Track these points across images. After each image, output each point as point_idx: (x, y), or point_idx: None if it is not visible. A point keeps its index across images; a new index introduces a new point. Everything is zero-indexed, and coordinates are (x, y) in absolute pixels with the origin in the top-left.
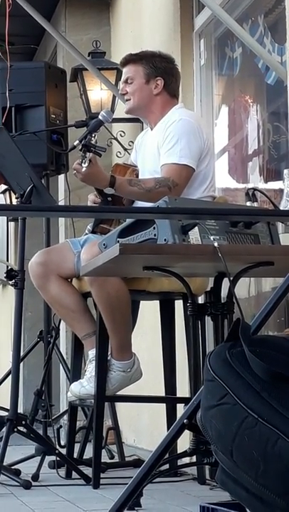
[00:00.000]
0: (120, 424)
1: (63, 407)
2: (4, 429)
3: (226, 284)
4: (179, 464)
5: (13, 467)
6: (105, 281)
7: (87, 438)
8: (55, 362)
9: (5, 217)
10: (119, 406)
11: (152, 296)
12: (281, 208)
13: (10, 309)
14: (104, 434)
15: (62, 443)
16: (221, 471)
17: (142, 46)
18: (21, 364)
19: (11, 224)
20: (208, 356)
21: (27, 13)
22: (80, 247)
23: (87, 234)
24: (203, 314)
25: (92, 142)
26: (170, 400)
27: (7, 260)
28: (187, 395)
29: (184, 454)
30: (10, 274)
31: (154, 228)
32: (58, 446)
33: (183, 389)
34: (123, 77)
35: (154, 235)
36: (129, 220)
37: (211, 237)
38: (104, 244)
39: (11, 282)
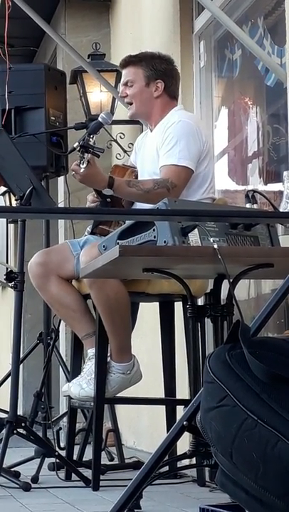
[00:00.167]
0: (120, 426)
1: (63, 409)
2: (4, 431)
3: (225, 285)
4: (178, 465)
5: (12, 469)
6: (105, 283)
7: (87, 440)
8: (55, 364)
9: (4, 219)
10: (119, 408)
11: (152, 298)
12: (281, 210)
13: (9, 311)
14: (103, 436)
15: (62, 445)
16: (220, 473)
17: (142, 48)
18: (21, 366)
19: (11, 226)
20: (208, 358)
21: (27, 15)
22: (79, 248)
23: (86, 235)
24: (203, 316)
25: (91, 143)
26: (170, 401)
27: (7, 262)
28: (187, 396)
29: (184, 456)
30: (9, 276)
31: (153, 230)
32: (57, 448)
33: (182, 391)
34: (123, 80)
35: (154, 237)
36: (128, 222)
37: (211, 239)
38: (103, 246)
39: (10, 284)
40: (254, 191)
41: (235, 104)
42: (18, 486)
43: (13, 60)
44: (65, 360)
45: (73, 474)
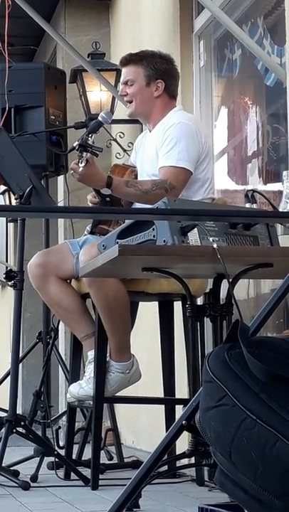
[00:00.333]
0: (119, 426)
1: (62, 408)
2: (3, 430)
3: (225, 285)
4: (177, 465)
5: (11, 468)
6: (104, 283)
7: (86, 439)
8: (54, 363)
9: (4, 218)
10: (118, 407)
11: (151, 298)
12: (280, 210)
13: (9, 310)
14: (103, 436)
15: (61, 444)
16: (219, 472)
17: (142, 47)
18: (20, 365)
19: (11, 225)
20: (207, 357)
21: (27, 14)
22: (78, 248)
23: (86, 235)
24: (202, 316)
25: (89, 142)
26: (169, 401)
27: (6, 261)
28: (186, 396)
29: (183, 456)
30: (9, 275)
31: (153, 229)
32: (56, 447)
33: (182, 390)
34: (123, 78)
35: (153, 236)
36: (128, 221)
37: (210, 239)
38: (103, 246)
39: (10, 283)
40: (253, 191)
41: (234, 104)
42: (17, 484)
43: (13, 59)
44: (64, 359)
45: (72, 473)
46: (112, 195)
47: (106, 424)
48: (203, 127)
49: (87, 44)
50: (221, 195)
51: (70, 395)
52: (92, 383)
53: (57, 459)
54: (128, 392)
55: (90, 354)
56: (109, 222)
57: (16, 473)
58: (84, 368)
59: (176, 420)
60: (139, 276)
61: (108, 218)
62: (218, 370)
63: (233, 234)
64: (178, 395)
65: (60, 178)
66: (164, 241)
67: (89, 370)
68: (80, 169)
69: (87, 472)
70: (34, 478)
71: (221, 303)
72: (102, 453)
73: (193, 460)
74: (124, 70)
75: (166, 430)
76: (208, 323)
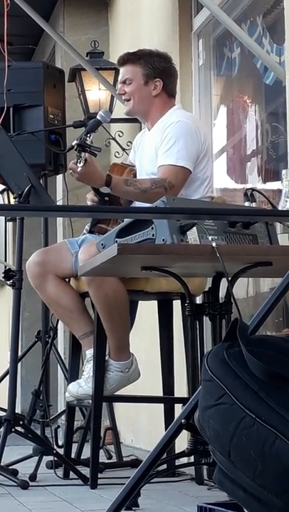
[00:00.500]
0: (118, 425)
1: (61, 407)
2: (2, 429)
3: (224, 284)
4: (176, 464)
5: (10, 467)
6: (103, 282)
7: (85, 438)
8: (53, 362)
9: (3, 218)
10: (117, 406)
11: (150, 297)
12: (279, 208)
13: (8, 309)
14: (102, 435)
15: (60, 443)
16: (218, 471)
17: (141, 46)
18: (19, 364)
19: (9, 224)
20: (206, 356)
21: (25, 13)
22: (77, 247)
23: (85, 234)
24: (202, 314)
25: (88, 142)
26: (168, 400)
27: (5, 260)
28: (185, 395)
29: (182, 454)
30: (8, 274)
31: (152, 228)
32: (55, 447)
33: (181, 389)
34: (121, 77)
35: (153, 235)
36: (127, 220)
37: (210, 237)
38: (102, 244)
39: (8, 282)
40: (253, 189)
41: (234, 103)
42: (16, 484)
43: (12, 58)
44: (63, 358)
45: (71, 472)
46: (110, 194)
47: (105, 423)
48: (203, 126)
49: (85, 43)
50: (220, 194)
51: (69, 394)
52: (91, 382)
53: (56, 458)
54: (127, 391)
55: (89, 353)
56: (108, 221)
57: (15, 473)
58: (83, 366)
59: (175, 419)
60: (138, 275)
61: (107, 217)
62: (217, 369)
63: (232, 232)
64: (177, 394)
65: (59, 177)
66: (163, 240)
67: (87, 368)
68: (79, 169)
69: (86, 471)
70: (33, 477)
71: (220, 302)
72: (101, 452)
73: (192, 459)
74: (122, 69)
75: (166, 429)
76: (207, 321)
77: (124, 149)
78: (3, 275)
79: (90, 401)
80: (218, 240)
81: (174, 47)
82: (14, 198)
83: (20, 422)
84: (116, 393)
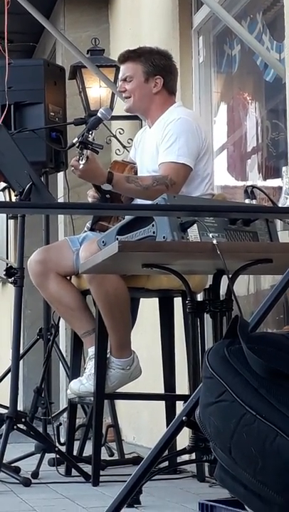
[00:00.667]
0: (120, 422)
1: (63, 404)
2: (4, 427)
3: (224, 281)
4: (178, 461)
5: (12, 465)
6: (104, 279)
7: (87, 435)
8: (55, 359)
9: (5, 215)
10: (119, 403)
11: (151, 294)
12: (279, 206)
13: (9, 307)
14: (103, 432)
15: (62, 440)
16: (219, 468)
17: (141, 44)
18: (21, 362)
19: (11, 222)
20: (207, 353)
21: (26, 11)
22: (78, 244)
23: (86, 231)
24: (202, 312)
25: (90, 139)
26: (169, 397)
27: (7, 258)
28: (186, 392)
29: (183, 452)
30: (9, 271)
31: (152, 226)
32: (57, 444)
33: (182, 386)
34: (121, 75)
35: (153, 233)
36: (128, 218)
37: (210, 235)
38: (103, 242)
39: (10, 280)
40: (253, 187)
41: (234, 100)
42: (18, 481)
43: (13, 56)
44: (65, 355)
45: (73, 470)
46: (111, 191)
47: (107, 420)
48: (203, 123)
49: (86, 40)
50: (220, 191)
51: (71, 391)
52: (93, 380)
53: (58, 456)
54: (129, 389)
55: (91, 351)
56: (109, 218)
57: (17, 470)
58: (84, 364)
59: (176, 416)
60: (139, 272)
61: (108, 214)
62: (218, 366)
63: (232, 230)
64: (178, 391)
65: (60, 175)
66: (164, 237)
67: (89, 366)
68: (81, 166)
69: (88, 468)
70: (35, 474)
71: (221, 299)
72: (103, 449)
73: (193, 456)
74: (122, 67)
75: (167, 426)
76: (208, 319)
77: (124, 147)
78: (4, 273)
79: (92, 398)
80: (218, 237)
81: (174, 44)
82: (15, 195)
83: (23, 420)
84: (117, 390)
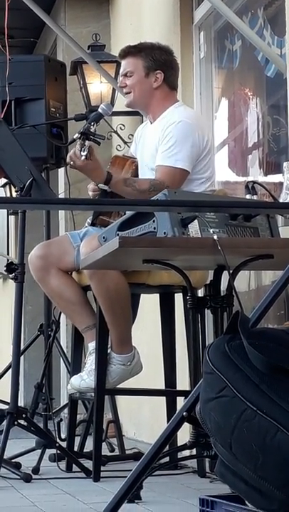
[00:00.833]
0: (120, 418)
1: (64, 400)
2: (5, 423)
3: (225, 277)
4: (179, 456)
5: (13, 460)
6: (105, 275)
7: (88, 431)
8: (56, 355)
9: (5, 211)
10: (120, 399)
11: (152, 290)
12: (280, 201)
13: (10, 303)
14: (104, 427)
15: (63, 436)
16: (220, 463)
17: (142, 39)
18: (22, 357)
19: (12, 218)
20: (207, 349)
21: (27, 7)
22: (79, 240)
23: (86, 227)
24: (203, 307)
25: (92, 130)
26: (170, 393)
27: (7, 254)
28: (187, 387)
29: (184, 447)
30: (10, 267)
31: (153, 221)
32: (58, 440)
33: (183, 382)
34: (122, 70)
35: (154, 228)
36: (128, 213)
37: (211, 230)
38: (103, 238)
39: (11, 276)
40: (254, 182)
41: (235, 95)
42: (19, 477)
43: (13, 52)
44: (65, 351)
45: (74, 465)
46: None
47: (107, 416)
48: (204, 122)
49: (87, 36)
50: (221, 187)
51: (72, 387)
52: (94, 375)
53: (59, 451)
54: (129, 384)
55: (91, 345)
56: (110, 213)
57: (18, 466)
58: (85, 359)
59: (177, 412)
60: (139, 268)
61: (109, 210)
62: (219, 362)
63: (233, 225)
64: (179, 387)
65: (61, 171)
66: (165, 233)
67: (89, 361)
68: (82, 158)
69: (88, 464)
70: (36, 470)
71: (222, 294)
72: (104, 445)
73: (194, 451)
74: (123, 62)
75: (168, 422)
76: (208, 314)
77: (125, 142)
78: (5, 268)
79: (93, 394)
80: (219, 232)
81: (175, 39)
82: (16, 191)
83: (23, 415)
84: (118, 386)
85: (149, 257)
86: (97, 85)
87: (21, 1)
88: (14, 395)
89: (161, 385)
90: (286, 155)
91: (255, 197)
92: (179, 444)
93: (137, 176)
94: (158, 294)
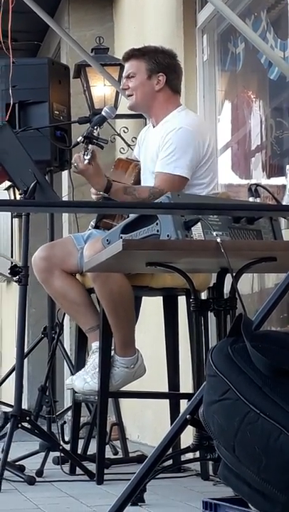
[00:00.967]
0: (124, 420)
1: (67, 403)
2: (8, 425)
3: (228, 279)
4: (182, 459)
5: (17, 463)
6: (108, 277)
7: (91, 434)
8: (59, 358)
9: (9, 214)
10: (123, 402)
11: (155, 292)
12: (284, 204)
13: (14, 306)
14: (108, 430)
15: (67, 439)
16: (223, 466)
17: (145, 42)
18: (25, 360)
19: (15, 220)
20: (211, 352)
21: (30, 10)
22: (83, 242)
23: (90, 229)
24: (206, 310)
25: (95, 134)
26: (173, 395)
27: (11, 256)
28: (190, 390)
29: (187, 450)
30: (14, 270)
31: (156, 224)
32: (62, 442)
33: (186, 385)
34: (125, 72)
35: (157, 231)
36: (132, 216)
37: (214, 233)
38: (107, 240)
39: (15, 278)
40: (257, 185)
41: (238, 98)
42: (22, 479)
43: (17, 54)
44: (69, 354)
45: (78, 468)
46: None
47: (111, 418)
48: (207, 126)
49: (90, 39)
50: (224, 190)
51: (76, 389)
52: (97, 378)
53: (62, 454)
54: (133, 387)
55: (94, 345)
56: (114, 216)
57: (22, 468)
58: (88, 357)
59: (180, 414)
60: (143, 270)
61: (112, 212)
62: (222, 364)
63: (236, 228)
64: (182, 390)
65: (65, 173)
66: (168, 235)
67: (92, 359)
68: (85, 161)
69: (92, 467)
70: (39, 473)
71: (225, 297)
72: (108, 447)
73: (198, 454)
74: (126, 65)
75: (171, 425)
76: (212, 317)
77: (129, 145)
78: (9, 271)
79: (96, 397)
80: (222, 235)
81: (178, 42)
82: (20, 194)
83: (27, 418)
84: (122, 389)
85: (153, 259)
86: (101, 88)
87: (25, 4)
88: (18, 397)
89: (164, 387)
90: None
91: (258, 199)
92: (182, 447)
93: (140, 178)
94: (161, 297)
